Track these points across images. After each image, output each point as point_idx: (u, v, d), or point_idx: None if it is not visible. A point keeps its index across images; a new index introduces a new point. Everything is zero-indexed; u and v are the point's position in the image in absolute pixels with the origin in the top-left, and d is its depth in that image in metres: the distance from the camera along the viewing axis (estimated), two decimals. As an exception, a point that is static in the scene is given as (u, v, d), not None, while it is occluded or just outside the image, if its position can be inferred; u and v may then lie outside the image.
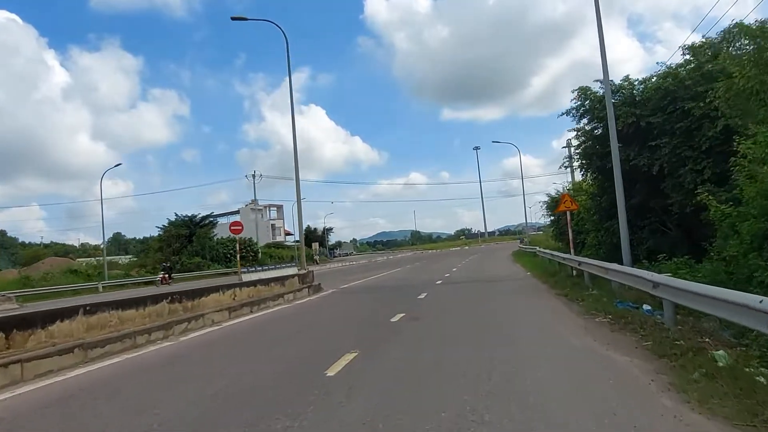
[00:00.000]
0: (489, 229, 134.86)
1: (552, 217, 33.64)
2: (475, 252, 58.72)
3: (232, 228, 29.49)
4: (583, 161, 14.61)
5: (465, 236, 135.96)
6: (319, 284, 17.88)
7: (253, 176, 62.92)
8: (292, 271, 34.99)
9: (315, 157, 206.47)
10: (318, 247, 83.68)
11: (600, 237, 16.89)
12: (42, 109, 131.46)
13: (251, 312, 12.30)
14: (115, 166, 76.39)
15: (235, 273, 39.06)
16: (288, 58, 18.91)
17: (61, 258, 70.59)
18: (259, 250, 58.96)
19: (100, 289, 37.54)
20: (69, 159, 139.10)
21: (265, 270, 30.60)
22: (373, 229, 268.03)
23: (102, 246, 48.72)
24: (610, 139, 11.16)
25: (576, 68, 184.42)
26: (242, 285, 12.94)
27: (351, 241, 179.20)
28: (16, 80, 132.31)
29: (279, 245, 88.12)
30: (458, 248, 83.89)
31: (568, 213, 16.87)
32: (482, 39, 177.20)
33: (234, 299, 12.19)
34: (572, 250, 16.71)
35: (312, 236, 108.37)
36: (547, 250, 24.15)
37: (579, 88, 13.77)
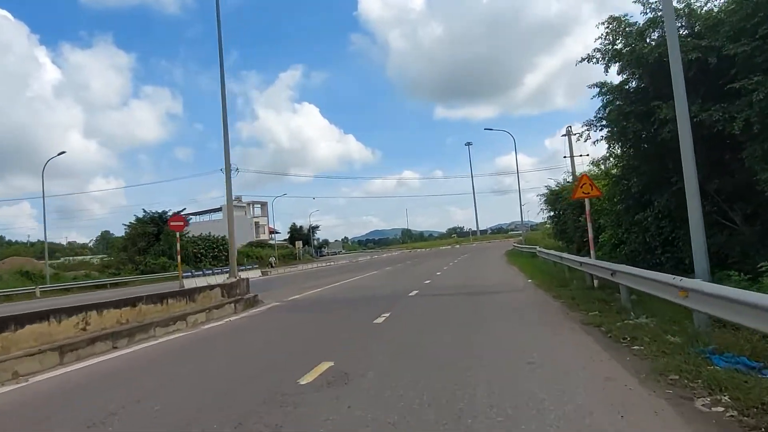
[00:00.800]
0: (481, 227, 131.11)
1: (552, 213, 29.52)
2: (466, 251, 54.55)
3: (172, 224, 24.97)
4: (612, 128, 10.31)
5: (456, 234, 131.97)
6: (256, 296, 13.55)
7: (228, 169, 57.57)
8: (252, 274, 30.63)
9: (308, 156, 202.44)
10: (301, 246, 79.09)
11: (622, 234, 12.70)
12: (34, 106, 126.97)
13: (114, 348, 7.97)
14: (59, 154, 70.23)
15: (202, 276, 34.61)
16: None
17: (23, 258, 65.89)
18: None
19: (38, 294, 33.07)
20: (61, 157, 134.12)
21: (214, 275, 26.24)
22: (366, 228, 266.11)
23: (45, 243, 43.82)
24: (673, 80, 6.92)
25: (569, 67, 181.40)
26: (106, 306, 8.51)
27: (342, 240, 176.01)
28: (7, 77, 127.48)
29: (262, 244, 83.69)
30: (449, 247, 79.76)
31: (587, 202, 12.63)
32: (476, 37, 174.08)
33: (84, 329, 7.84)
34: (592, 252, 12.52)
35: (297, 234, 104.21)
36: (550, 251, 19.96)
37: (610, 19, 9.49)
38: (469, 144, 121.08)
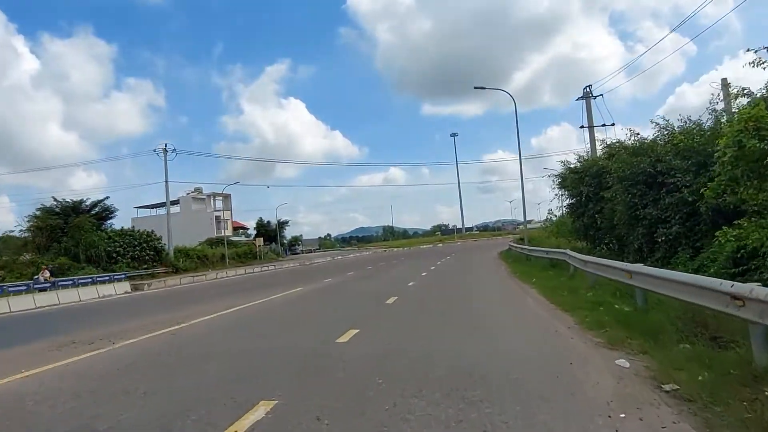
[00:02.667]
0: (467, 225, 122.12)
1: (572, 200, 20.21)
2: (450, 251, 45.11)
3: None
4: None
5: (441, 232, 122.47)
6: None
7: (165, 151, 47.24)
8: (119, 288, 20.76)
9: (294, 152, 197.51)
10: (262, 244, 68.90)
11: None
12: (11, 96, 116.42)
13: None
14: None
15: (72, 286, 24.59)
16: None
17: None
18: (166, 249, 43.99)
19: None
20: (39, 149, 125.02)
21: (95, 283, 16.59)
22: (351, 225, 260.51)
23: None
24: None
25: (557, 65, 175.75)
26: None
27: (324, 237, 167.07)
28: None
29: (223, 241, 73.40)
30: (430, 246, 70.42)
31: None
32: (464, 33, 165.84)
33: None
34: None
35: (264, 230, 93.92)
36: (599, 259, 10.47)
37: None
38: (454, 135, 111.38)
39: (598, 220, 17.75)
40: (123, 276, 25.03)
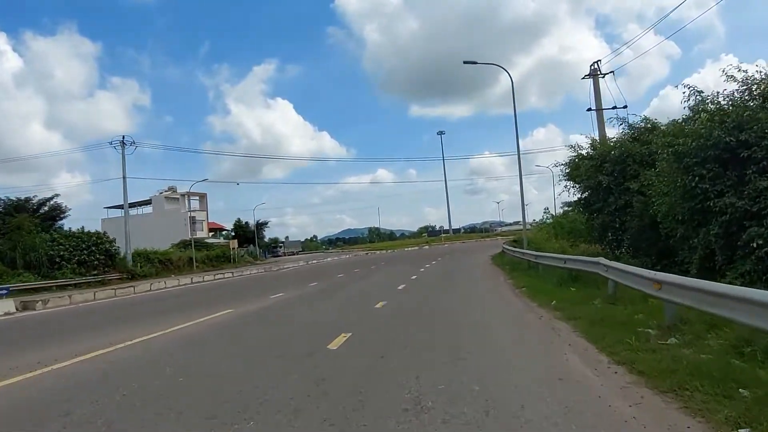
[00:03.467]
0: (454, 227, 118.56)
1: (586, 193, 16.39)
2: (437, 254, 41.14)
3: None
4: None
5: (427, 234, 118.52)
6: None
7: (122, 144, 42.45)
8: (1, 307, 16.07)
9: (282, 153, 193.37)
10: (236, 246, 64.31)
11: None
12: None
13: None
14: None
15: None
16: None
17: None
18: (121, 253, 39.28)
19: None
20: (22, 149, 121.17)
21: None
22: (339, 226, 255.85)
23: None
24: None
25: (544, 66, 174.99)
26: None
27: (310, 238, 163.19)
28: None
29: (198, 243, 68.99)
30: (416, 248, 66.55)
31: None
32: (452, 33, 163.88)
33: None
34: None
35: (242, 231, 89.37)
36: (696, 282, 6.48)
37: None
38: (441, 133, 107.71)
39: (618, 219, 14.02)
40: (5, 291, 20.39)
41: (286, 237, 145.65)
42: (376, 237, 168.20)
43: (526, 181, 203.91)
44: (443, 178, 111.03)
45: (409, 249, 65.24)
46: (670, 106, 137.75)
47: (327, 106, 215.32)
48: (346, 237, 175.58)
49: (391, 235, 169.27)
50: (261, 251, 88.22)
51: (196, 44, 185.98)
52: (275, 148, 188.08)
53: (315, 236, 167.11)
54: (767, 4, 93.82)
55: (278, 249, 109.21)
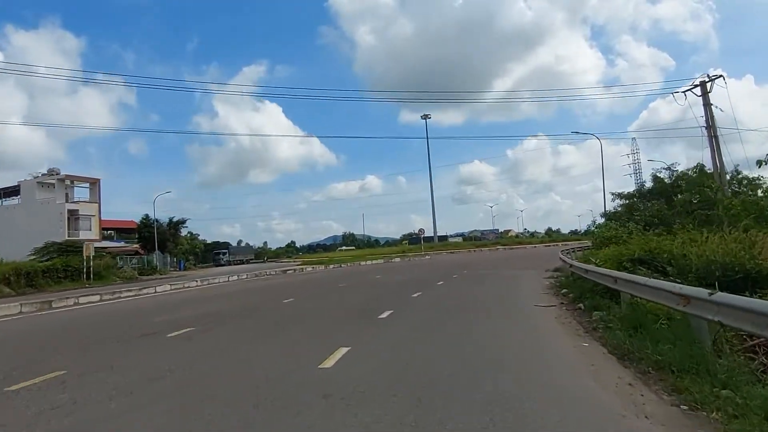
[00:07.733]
0: (441, 234, 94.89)
1: None
2: (402, 276, 17.66)
3: None
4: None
5: (409, 241, 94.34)
6: None
7: None
8: None
9: (269, 157, 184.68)
10: (92, 252, 39.01)
11: None
12: None
13: None
14: None
15: None
16: None
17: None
18: None
19: None
20: (1, 148, 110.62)
21: None
22: (326, 232, 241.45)
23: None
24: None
25: (538, 75, 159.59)
26: None
27: (289, 244, 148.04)
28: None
29: (74, 246, 44.92)
30: (380, 261, 42.93)
31: None
32: (448, 39, 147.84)
33: None
34: None
35: (149, 233, 64.54)
36: None
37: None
38: (426, 116, 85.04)
39: None
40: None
41: (239, 241, 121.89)
42: (351, 243, 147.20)
43: (513, 191, 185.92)
44: (433, 186, 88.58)
45: (376, 261, 41.68)
46: (658, 118, 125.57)
47: (316, 110, 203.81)
48: (328, 243, 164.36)
49: (368, 242, 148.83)
50: (175, 260, 63.90)
51: (184, 41, 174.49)
52: (263, 152, 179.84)
53: (293, 242, 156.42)
54: None
55: (221, 256, 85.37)
